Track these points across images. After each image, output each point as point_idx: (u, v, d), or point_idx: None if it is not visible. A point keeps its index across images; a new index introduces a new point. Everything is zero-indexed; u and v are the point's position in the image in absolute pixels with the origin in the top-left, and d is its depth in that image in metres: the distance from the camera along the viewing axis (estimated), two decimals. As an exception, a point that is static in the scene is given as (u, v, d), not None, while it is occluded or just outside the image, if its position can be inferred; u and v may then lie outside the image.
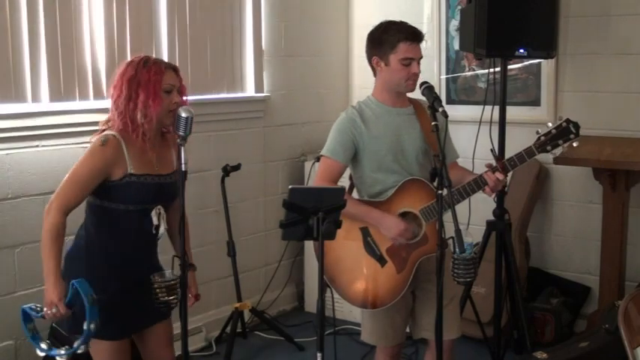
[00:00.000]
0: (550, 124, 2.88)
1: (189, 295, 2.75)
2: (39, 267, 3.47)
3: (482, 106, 3.85)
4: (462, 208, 2.93)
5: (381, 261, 2.90)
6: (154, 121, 2.62)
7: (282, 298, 4.90)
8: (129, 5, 3.85)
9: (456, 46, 4.66)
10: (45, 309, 2.53)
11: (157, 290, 2.56)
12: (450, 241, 2.61)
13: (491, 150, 3.64)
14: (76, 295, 2.49)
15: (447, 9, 4.77)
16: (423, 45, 2.95)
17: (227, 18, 4.42)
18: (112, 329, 2.60)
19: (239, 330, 4.25)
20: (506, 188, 3.89)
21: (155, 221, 2.71)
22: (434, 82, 2.95)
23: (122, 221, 2.65)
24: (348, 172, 3.07)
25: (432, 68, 4.71)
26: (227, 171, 4.17)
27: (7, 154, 3.43)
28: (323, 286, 2.48)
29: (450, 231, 2.62)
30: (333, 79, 5.23)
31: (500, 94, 3.79)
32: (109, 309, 2.55)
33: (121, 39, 3.81)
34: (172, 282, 2.57)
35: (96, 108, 3.59)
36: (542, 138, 2.86)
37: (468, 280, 2.64)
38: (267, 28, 4.70)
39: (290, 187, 2.43)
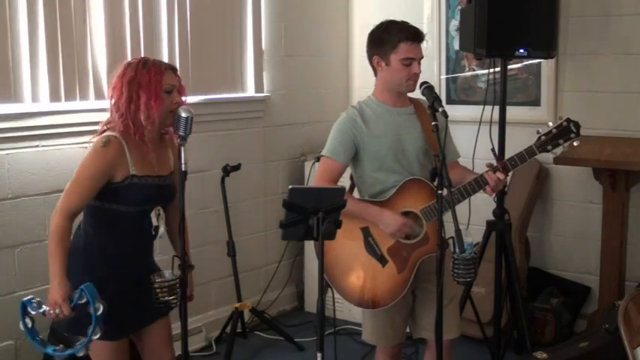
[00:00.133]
0: (551, 124, 2.88)
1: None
2: (39, 267, 3.49)
3: (482, 106, 3.85)
4: (462, 208, 2.93)
5: (382, 261, 2.91)
6: (156, 122, 2.62)
7: (282, 298, 4.90)
8: (129, 5, 3.85)
9: (456, 46, 4.66)
10: (47, 308, 2.52)
11: (158, 290, 2.56)
12: (451, 241, 2.61)
13: (492, 150, 3.64)
14: (81, 295, 2.49)
15: (447, 9, 4.77)
16: (423, 45, 2.95)
17: (227, 18, 4.42)
18: (110, 329, 2.60)
19: (239, 330, 4.25)
20: (506, 188, 3.89)
21: (154, 222, 2.71)
22: (434, 82, 2.96)
23: (122, 222, 2.65)
24: (349, 171, 3.07)
25: (432, 68, 4.71)
26: (227, 171, 4.17)
27: (7, 154, 3.43)
28: (323, 286, 2.48)
29: (450, 231, 2.62)
30: (333, 79, 5.23)
31: (500, 94, 3.79)
32: (107, 309, 2.55)
33: (121, 39, 3.81)
34: (172, 282, 2.57)
35: (96, 108, 3.59)
36: (543, 137, 2.86)
37: (468, 280, 2.64)
38: (267, 28, 4.70)
39: (290, 187, 2.43)
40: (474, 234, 2.90)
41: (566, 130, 2.85)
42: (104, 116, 2.73)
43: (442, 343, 2.69)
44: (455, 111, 4.19)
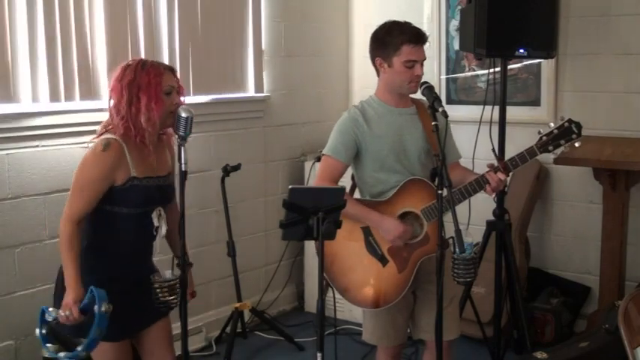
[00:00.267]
0: (552, 124, 2.87)
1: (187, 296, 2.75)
2: (39, 267, 3.50)
3: (482, 106, 3.85)
4: (462, 208, 2.93)
5: (383, 261, 2.91)
6: (157, 124, 2.62)
7: (282, 298, 4.90)
8: (129, 5, 3.84)
9: (456, 46, 4.66)
10: (60, 311, 2.54)
11: (158, 290, 2.56)
12: (451, 241, 2.61)
13: (493, 150, 3.65)
14: (91, 301, 2.50)
15: (447, 9, 4.77)
16: (425, 46, 2.95)
17: (227, 18, 4.42)
18: (112, 331, 2.60)
19: (239, 330, 4.24)
20: (506, 188, 3.89)
21: (156, 222, 2.71)
22: (434, 82, 2.95)
23: (123, 224, 2.65)
24: (350, 171, 3.07)
25: (432, 68, 4.71)
26: (227, 171, 4.16)
27: (7, 154, 3.43)
28: (323, 286, 2.48)
29: (450, 231, 2.62)
30: (333, 79, 5.23)
31: (500, 94, 3.79)
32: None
33: (121, 39, 3.81)
34: (172, 282, 2.57)
35: (96, 108, 3.58)
36: (544, 138, 2.86)
37: (468, 280, 2.64)
38: (267, 28, 4.71)
39: (290, 187, 2.42)
40: (474, 234, 2.89)
41: (567, 131, 2.85)
42: (104, 116, 2.73)
43: (442, 344, 2.69)
44: (455, 111, 4.19)
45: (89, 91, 3.68)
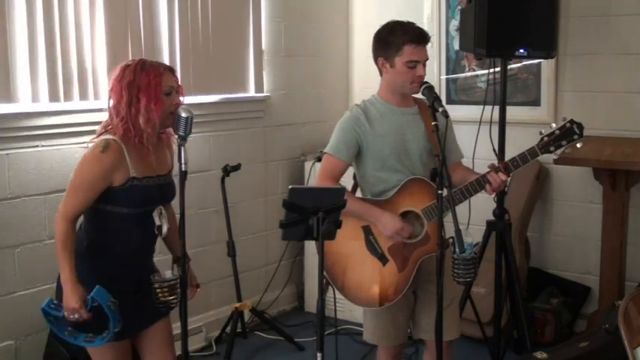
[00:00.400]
0: (554, 125, 2.86)
1: (190, 287, 2.77)
2: (39, 267, 3.50)
3: (482, 106, 3.85)
4: (462, 208, 2.93)
5: (383, 260, 2.91)
6: (156, 124, 2.61)
7: (282, 298, 4.90)
8: (129, 5, 3.84)
9: (456, 46, 4.66)
10: (66, 314, 2.55)
11: (158, 290, 2.56)
12: (451, 241, 2.61)
13: (494, 150, 3.65)
14: (95, 302, 2.53)
15: (447, 9, 4.77)
16: (428, 46, 2.94)
17: (227, 18, 4.42)
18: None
19: (239, 330, 4.24)
20: (506, 188, 3.89)
21: (157, 221, 2.71)
22: (434, 82, 2.96)
23: (124, 224, 2.65)
24: (352, 171, 3.07)
25: (432, 68, 4.71)
26: (227, 171, 4.17)
27: (7, 154, 3.43)
28: (323, 286, 2.48)
29: (450, 231, 2.62)
30: (333, 79, 5.23)
31: (500, 94, 3.79)
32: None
33: (121, 39, 3.81)
34: (173, 282, 2.57)
35: (96, 108, 3.58)
36: (546, 139, 2.85)
37: (468, 280, 2.64)
38: (267, 28, 4.71)
39: (290, 187, 2.42)
40: (474, 234, 2.89)
41: (569, 132, 2.84)
42: (104, 116, 2.73)
43: (442, 344, 2.69)
44: (455, 111, 4.18)
45: (89, 91, 3.68)
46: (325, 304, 2.45)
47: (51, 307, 2.57)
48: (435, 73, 4.74)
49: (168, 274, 2.60)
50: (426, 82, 2.86)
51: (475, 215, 3.47)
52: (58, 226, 2.57)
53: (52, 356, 3.44)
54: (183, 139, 2.59)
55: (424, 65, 2.89)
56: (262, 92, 4.69)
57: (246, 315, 4.38)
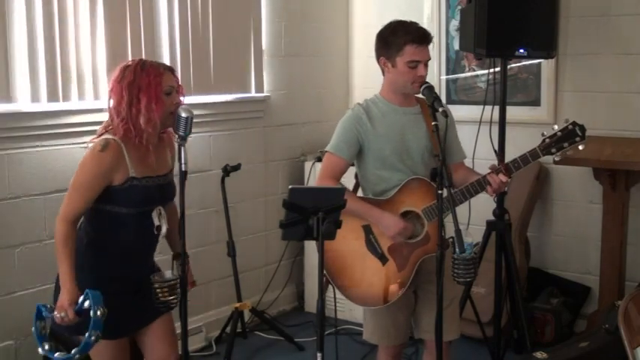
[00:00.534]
0: (556, 127, 2.85)
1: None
2: (39, 267, 3.50)
3: (482, 106, 3.85)
4: (462, 208, 2.93)
5: (383, 259, 2.91)
6: (157, 124, 2.62)
7: (282, 298, 4.90)
8: (129, 5, 3.84)
9: (456, 46, 4.66)
10: (55, 312, 2.54)
11: (158, 290, 2.56)
12: (451, 241, 2.61)
13: (495, 151, 3.65)
14: (86, 302, 2.50)
15: (447, 9, 4.77)
16: (430, 46, 2.94)
17: (227, 18, 4.42)
18: (110, 329, 2.60)
19: (239, 330, 4.24)
20: (506, 188, 3.89)
21: (156, 222, 2.71)
22: (434, 82, 2.95)
23: (123, 224, 2.65)
24: (354, 170, 3.07)
25: (432, 68, 4.67)
26: (227, 171, 4.17)
27: (7, 154, 3.43)
28: (323, 286, 2.48)
29: (450, 231, 2.62)
30: (333, 79, 5.23)
31: (500, 94, 3.79)
32: (107, 311, 2.55)
33: (121, 39, 3.81)
34: (173, 282, 2.57)
35: (96, 108, 3.59)
36: (547, 140, 2.84)
37: (468, 280, 2.64)
38: (267, 28, 4.71)
39: (290, 187, 2.42)
40: (474, 234, 2.89)
41: (571, 134, 2.83)
42: (104, 117, 2.73)
43: (442, 344, 2.69)
44: (455, 111, 4.13)
45: (89, 91, 3.68)
46: (325, 304, 2.45)
47: (46, 307, 2.57)
48: (435, 73, 4.74)
49: (168, 274, 2.61)
50: (426, 82, 2.85)
51: (475, 215, 3.47)
52: (58, 228, 2.57)
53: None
54: (183, 139, 2.59)
55: (426, 65, 2.89)
56: (262, 92, 4.69)
57: (246, 315, 4.38)
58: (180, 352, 2.73)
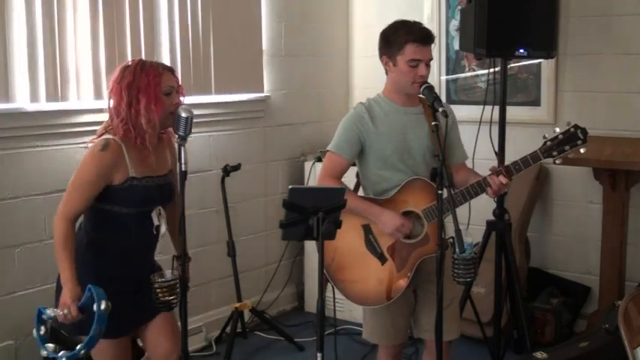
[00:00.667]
0: (557, 129, 2.84)
1: None
2: (39, 267, 3.50)
3: (482, 106, 3.85)
4: (462, 208, 2.93)
5: (382, 259, 2.91)
6: (157, 125, 2.62)
7: (282, 298, 4.90)
8: (128, 6, 3.84)
9: (456, 46, 4.66)
10: (58, 310, 2.54)
11: (158, 290, 2.56)
12: (451, 242, 2.61)
13: (496, 153, 3.64)
14: (90, 299, 2.50)
15: (447, 9, 4.77)
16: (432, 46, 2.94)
17: (227, 18, 4.42)
18: (111, 328, 2.60)
19: (239, 330, 4.24)
20: (506, 190, 3.89)
21: (156, 222, 2.71)
22: (434, 82, 2.95)
23: (123, 223, 2.66)
24: (355, 169, 3.07)
25: (432, 68, 4.68)
26: (227, 171, 4.17)
27: (7, 154, 3.43)
28: (323, 286, 2.48)
29: (450, 231, 2.62)
30: (333, 79, 5.23)
31: (500, 94, 3.79)
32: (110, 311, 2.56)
33: (120, 40, 3.81)
34: (172, 282, 2.57)
35: (96, 108, 3.59)
36: (549, 143, 2.83)
37: (468, 280, 2.64)
38: (267, 28, 4.71)
39: (290, 187, 2.42)
40: (474, 234, 2.89)
41: (572, 137, 2.83)
42: (104, 117, 2.73)
43: (442, 344, 2.69)
44: (455, 111, 4.14)
45: (89, 91, 3.68)
46: (325, 304, 2.45)
47: (47, 308, 2.56)
48: (435, 73, 4.74)
49: (168, 274, 2.61)
50: (426, 82, 2.85)
51: (475, 215, 3.46)
52: (57, 227, 2.57)
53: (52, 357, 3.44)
54: (183, 139, 2.59)
55: (427, 65, 2.88)
56: (262, 92, 4.69)
57: (246, 315, 4.38)
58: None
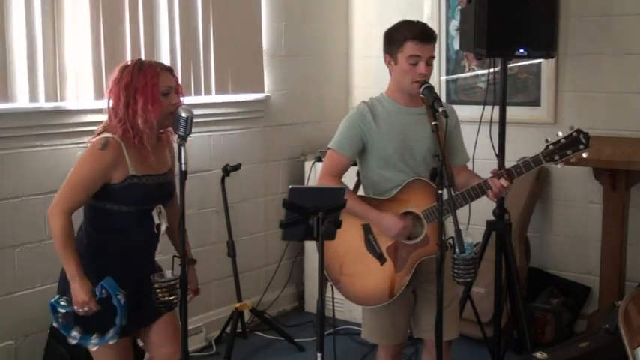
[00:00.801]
0: (560, 134, 2.82)
1: (190, 294, 2.77)
2: (39, 267, 3.50)
3: (482, 106, 3.85)
4: (462, 208, 2.93)
5: (381, 259, 2.91)
6: (154, 125, 2.61)
7: (282, 298, 4.90)
8: (129, 5, 3.84)
9: (456, 46, 4.66)
10: (76, 307, 2.55)
11: (158, 290, 2.56)
12: (451, 242, 2.61)
13: (497, 155, 3.64)
14: (104, 295, 2.54)
15: (447, 9, 4.77)
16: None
17: (227, 18, 4.42)
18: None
19: (239, 330, 4.24)
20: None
21: (156, 220, 2.71)
22: (434, 82, 2.94)
23: (123, 222, 2.66)
24: (355, 169, 3.07)
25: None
26: (227, 171, 4.17)
27: (7, 154, 3.43)
28: (323, 286, 2.48)
29: (450, 231, 2.62)
30: (333, 79, 5.23)
31: (500, 94, 3.79)
32: (109, 310, 2.56)
33: (120, 39, 3.81)
34: (172, 282, 2.57)
35: (96, 108, 3.58)
36: (551, 147, 2.81)
37: (468, 280, 2.64)
38: (267, 28, 4.70)
39: (290, 187, 2.42)
40: (474, 234, 2.89)
41: (575, 141, 2.81)
42: (104, 117, 2.73)
43: (442, 344, 2.69)
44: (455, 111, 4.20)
45: (88, 91, 3.68)
46: (325, 304, 2.45)
47: (60, 302, 2.57)
48: (435, 73, 4.70)
49: (168, 274, 2.61)
50: (426, 82, 2.85)
51: (475, 215, 3.45)
52: (56, 223, 2.56)
53: (52, 356, 3.44)
54: (183, 139, 2.59)
55: (428, 64, 2.87)
56: (262, 92, 4.69)
57: (246, 315, 4.38)
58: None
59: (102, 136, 2.63)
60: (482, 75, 4.61)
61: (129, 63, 2.67)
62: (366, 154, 2.97)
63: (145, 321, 2.77)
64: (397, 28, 2.92)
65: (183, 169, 2.57)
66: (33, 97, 3.48)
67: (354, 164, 3.03)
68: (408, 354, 3.99)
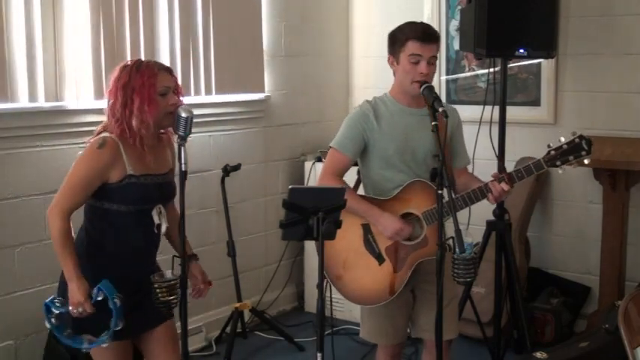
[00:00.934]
0: (562, 139, 2.82)
1: (201, 286, 2.80)
2: (39, 267, 3.50)
3: (482, 106, 3.86)
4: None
5: (380, 259, 2.91)
6: (151, 126, 2.61)
7: (282, 298, 4.90)
8: (128, 6, 3.84)
9: (456, 46, 4.66)
10: (71, 308, 2.55)
11: (158, 290, 2.56)
12: (450, 242, 2.61)
13: (496, 153, 3.64)
14: (101, 297, 2.53)
15: (447, 9, 4.77)
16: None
17: (227, 18, 4.42)
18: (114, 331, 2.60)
19: (239, 330, 4.24)
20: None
21: (156, 220, 2.71)
22: (434, 83, 2.95)
23: (123, 222, 2.65)
24: (355, 168, 3.07)
25: (432, 68, 4.71)
26: (227, 171, 4.17)
27: (7, 154, 3.43)
28: (323, 285, 2.48)
29: (450, 231, 2.62)
30: (333, 79, 5.23)
31: (500, 94, 3.79)
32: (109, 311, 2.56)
33: (120, 40, 3.81)
34: (172, 282, 2.57)
35: (95, 108, 3.58)
36: (553, 152, 2.81)
37: (468, 280, 2.64)
38: (267, 28, 4.71)
39: (290, 187, 2.42)
40: (474, 234, 2.89)
41: (577, 147, 2.80)
42: (103, 117, 2.73)
43: (442, 344, 2.69)
44: (455, 111, 4.20)
45: (90, 91, 3.68)
46: (325, 304, 2.45)
47: (55, 303, 2.57)
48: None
49: (168, 274, 2.61)
50: (426, 82, 2.85)
51: (475, 215, 3.46)
52: (55, 223, 2.57)
53: (52, 356, 3.44)
54: (183, 139, 2.58)
55: (430, 63, 2.86)
56: (262, 92, 4.69)
57: (246, 315, 4.38)
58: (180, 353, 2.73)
59: (100, 135, 2.63)
60: (483, 75, 4.61)
61: (128, 63, 2.66)
62: (368, 154, 2.97)
63: (145, 325, 2.75)
64: (400, 28, 2.93)
65: (183, 169, 2.57)
66: (33, 97, 3.48)
67: (355, 164, 3.03)
68: (408, 354, 3.99)
